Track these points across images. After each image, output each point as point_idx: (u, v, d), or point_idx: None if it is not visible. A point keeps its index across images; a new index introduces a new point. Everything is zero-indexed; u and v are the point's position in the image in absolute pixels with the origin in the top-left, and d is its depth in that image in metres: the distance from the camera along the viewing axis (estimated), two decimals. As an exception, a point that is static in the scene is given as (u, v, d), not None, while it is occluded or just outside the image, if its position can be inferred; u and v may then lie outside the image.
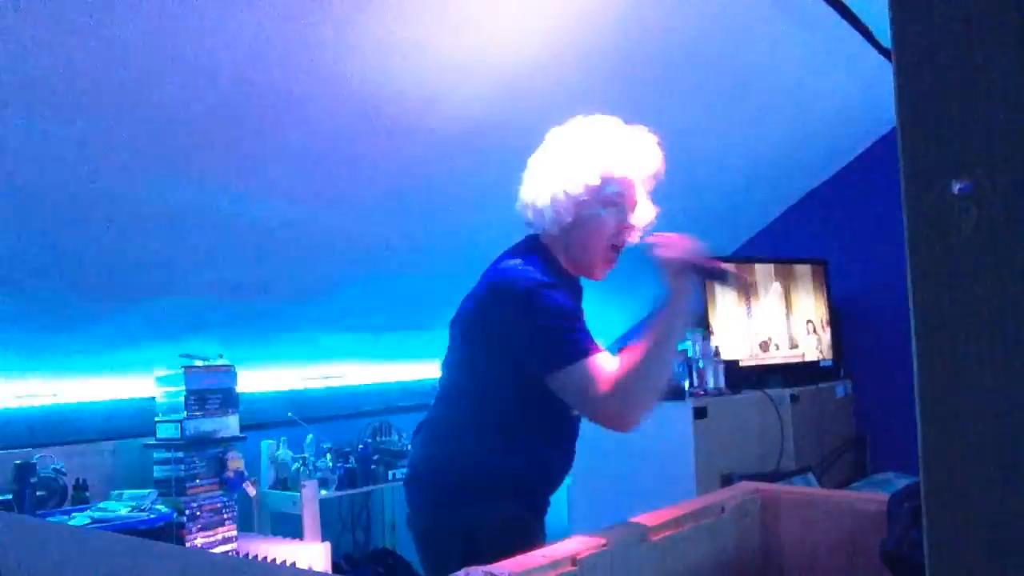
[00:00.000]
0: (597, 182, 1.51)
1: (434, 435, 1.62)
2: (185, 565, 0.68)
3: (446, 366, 1.63)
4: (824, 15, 2.45)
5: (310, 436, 3.11)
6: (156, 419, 2.67)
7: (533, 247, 1.59)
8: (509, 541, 1.47)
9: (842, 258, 3.76)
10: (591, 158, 1.52)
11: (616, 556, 1.00)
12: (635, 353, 1.41)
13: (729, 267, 1.48)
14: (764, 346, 3.53)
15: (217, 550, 2.56)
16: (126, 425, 2.76)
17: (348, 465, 3.11)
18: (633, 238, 1.57)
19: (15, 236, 2.01)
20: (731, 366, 3.28)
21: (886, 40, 0.84)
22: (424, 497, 1.59)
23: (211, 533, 2.61)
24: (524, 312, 1.46)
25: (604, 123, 1.56)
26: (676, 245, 1.45)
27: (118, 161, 1.93)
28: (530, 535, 1.52)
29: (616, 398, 1.38)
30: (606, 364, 1.41)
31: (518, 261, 1.53)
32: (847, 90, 3.07)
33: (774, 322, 3.57)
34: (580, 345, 1.42)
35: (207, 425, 2.64)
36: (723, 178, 3.45)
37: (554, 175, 1.53)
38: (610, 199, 1.53)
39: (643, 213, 1.59)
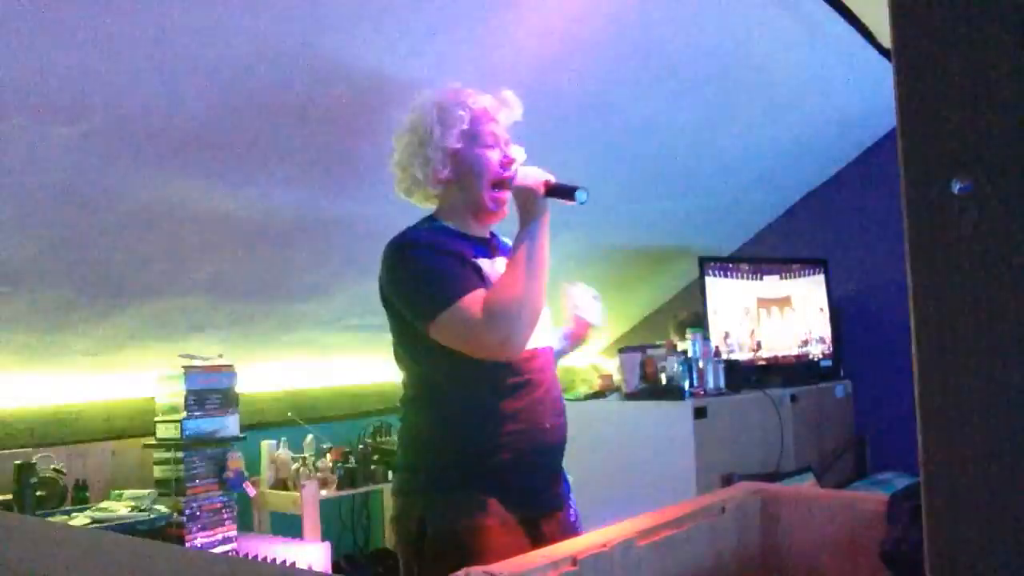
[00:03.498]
0: (467, 126, 1.57)
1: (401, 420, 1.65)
2: (185, 565, 0.68)
3: None
4: (825, 15, 2.45)
5: (310, 436, 3.11)
6: (156, 419, 2.67)
7: (424, 219, 1.66)
8: (463, 537, 1.44)
9: (842, 258, 3.77)
10: (456, 108, 1.58)
11: (616, 556, 1.00)
12: (503, 279, 1.47)
13: (575, 184, 1.52)
14: (763, 346, 3.53)
15: (217, 550, 2.56)
16: (126, 425, 2.76)
17: (348, 465, 3.10)
18: (512, 173, 1.59)
19: (15, 236, 2.01)
20: (731, 366, 3.28)
21: (886, 40, 0.84)
22: (395, 485, 1.61)
23: (211, 533, 2.60)
24: (396, 272, 1.53)
25: (451, 86, 1.64)
26: (526, 174, 1.53)
27: (118, 161, 1.93)
28: (491, 528, 1.44)
29: (492, 321, 1.41)
30: (478, 299, 1.44)
31: (404, 231, 1.61)
32: (847, 90, 3.07)
33: (774, 322, 3.57)
34: (448, 291, 1.45)
35: (207, 425, 2.64)
36: (723, 178, 3.45)
37: (424, 138, 1.58)
38: (483, 140, 1.59)
39: (514, 152, 1.63)
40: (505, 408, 1.51)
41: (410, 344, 1.57)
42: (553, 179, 1.52)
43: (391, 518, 1.59)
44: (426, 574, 1.47)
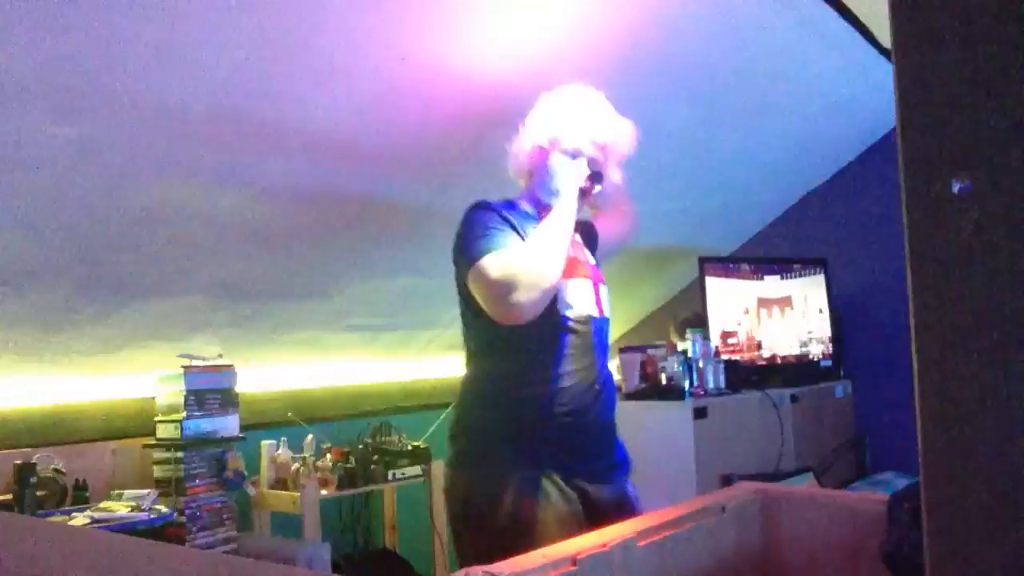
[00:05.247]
0: (546, 145, 1.74)
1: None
2: (185, 565, 0.68)
3: None
4: (824, 15, 2.45)
5: (310, 436, 3.11)
6: (156, 419, 2.67)
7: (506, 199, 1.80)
8: (504, 501, 1.54)
9: (842, 258, 3.76)
10: (545, 124, 1.75)
11: (616, 556, 1.00)
12: (523, 246, 1.59)
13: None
14: (763, 346, 3.53)
15: (217, 550, 2.55)
16: (126, 425, 2.76)
17: (348, 465, 3.10)
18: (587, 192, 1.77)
19: (15, 236, 2.01)
20: (731, 366, 3.28)
21: (886, 40, 0.84)
22: (447, 457, 1.71)
23: (211, 533, 2.60)
24: (460, 226, 1.66)
25: (576, 94, 1.79)
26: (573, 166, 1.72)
27: (118, 161, 1.93)
28: (529, 495, 1.54)
29: (501, 281, 1.51)
30: (502, 257, 1.54)
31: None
32: (847, 90, 3.07)
33: (774, 322, 3.57)
34: (485, 246, 1.55)
35: (207, 425, 2.63)
36: (723, 178, 3.45)
37: (520, 134, 1.77)
38: (569, 151, 1.74)
39: (609, 177, 1.81)
40: (543, 370, 1.62)
41: (465, 306, 1.68)
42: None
43: (444, 489, 1.69)
44: (470, 544, 1.55)
